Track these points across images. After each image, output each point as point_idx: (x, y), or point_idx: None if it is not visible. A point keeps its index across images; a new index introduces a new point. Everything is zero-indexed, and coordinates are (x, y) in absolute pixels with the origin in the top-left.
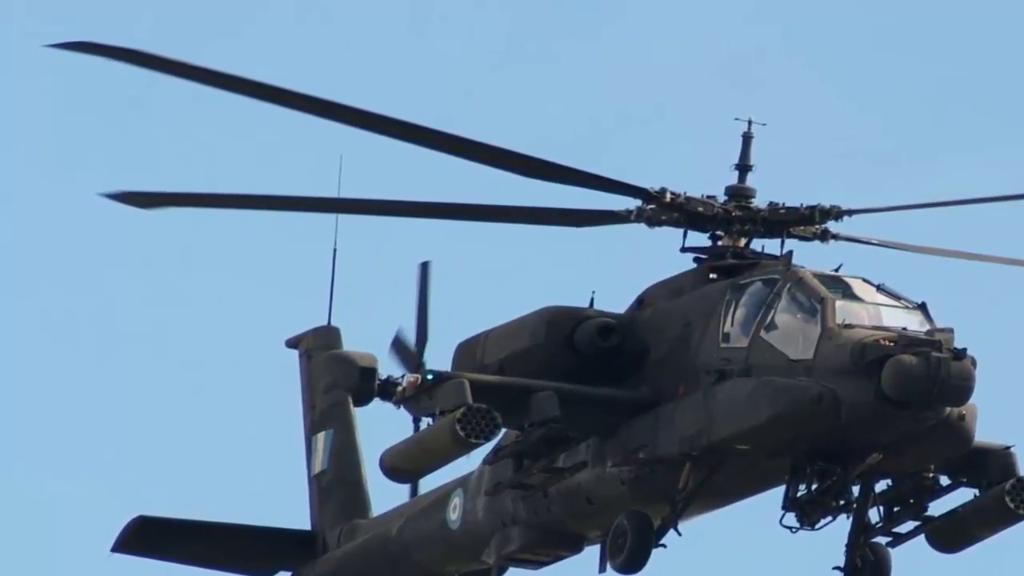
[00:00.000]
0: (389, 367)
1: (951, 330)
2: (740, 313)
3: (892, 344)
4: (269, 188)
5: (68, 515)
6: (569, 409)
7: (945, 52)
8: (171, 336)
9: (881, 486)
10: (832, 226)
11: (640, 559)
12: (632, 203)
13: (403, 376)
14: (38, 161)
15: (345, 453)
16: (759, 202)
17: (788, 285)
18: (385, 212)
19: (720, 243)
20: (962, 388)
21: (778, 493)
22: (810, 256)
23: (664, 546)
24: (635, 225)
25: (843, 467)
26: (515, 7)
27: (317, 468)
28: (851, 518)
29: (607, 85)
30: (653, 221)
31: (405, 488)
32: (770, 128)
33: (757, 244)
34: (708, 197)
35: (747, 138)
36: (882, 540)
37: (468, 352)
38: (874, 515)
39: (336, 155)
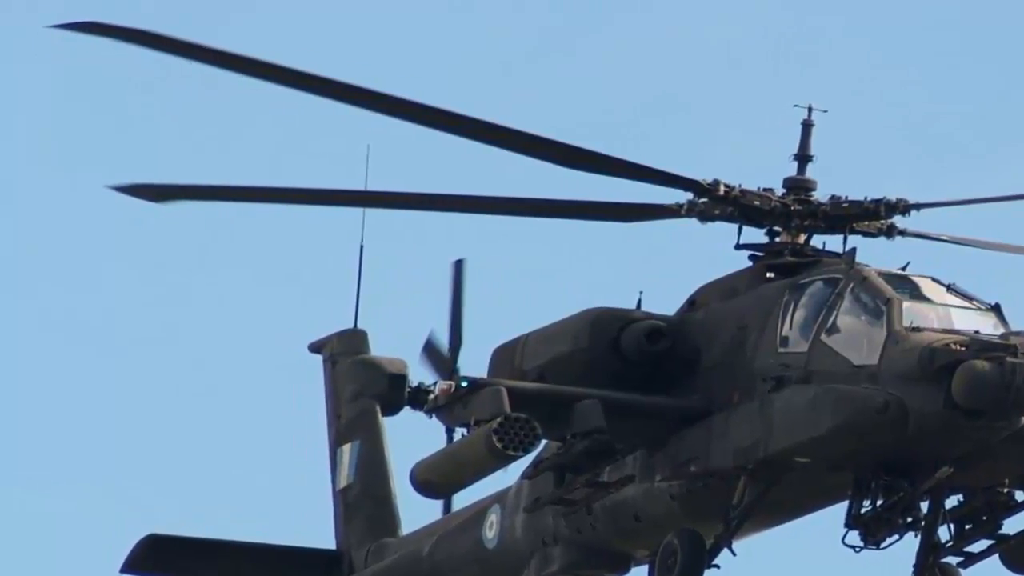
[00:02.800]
0: (420, 373)
1: None
2: (799, 315)
3: (963, 348)
4: (290, 180)
5: (72, 532)
6: (615, 419)
7: (1021, 32)
8: (185, 340)
9: (951, 502)
10: (899, 221)
11: None
12: (683, 196)
13: (435, 383)
14: (41, 151)
15: (373, 466)
16: (820, 195)
17: (851, 285)
18: (416, 206)
19: (778, 240)
20: None
21: (840, 509)
22: (875, 254)
23: (717, 567)
24: (686, 220)
25: (910, 482)
26: None
27: (343, 482)
28: (919, 536)
29: (655, 68)
30: (705, 216)
31: (437, 504)
32: (832, 115)
33: (818, 241)
34: (765, 190)
35: (807, 126)
36: (953, 560)
37: (505, 357)
38: (944, 533)
39: (363, 144)
